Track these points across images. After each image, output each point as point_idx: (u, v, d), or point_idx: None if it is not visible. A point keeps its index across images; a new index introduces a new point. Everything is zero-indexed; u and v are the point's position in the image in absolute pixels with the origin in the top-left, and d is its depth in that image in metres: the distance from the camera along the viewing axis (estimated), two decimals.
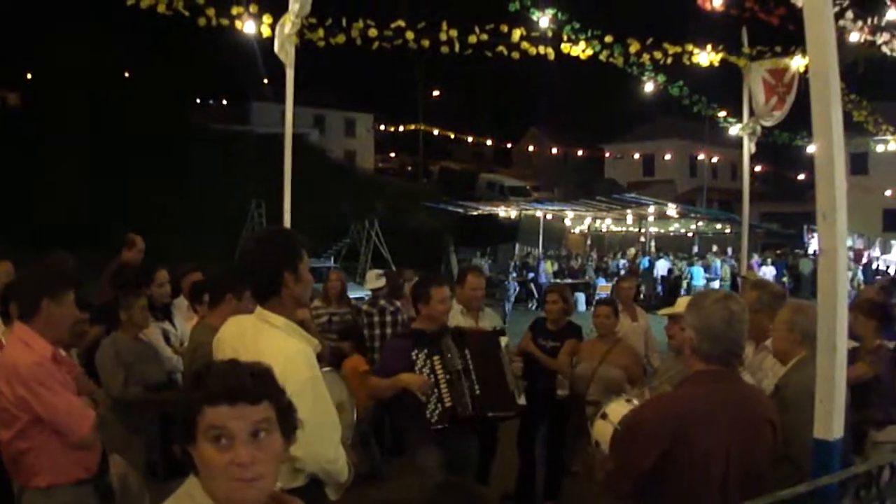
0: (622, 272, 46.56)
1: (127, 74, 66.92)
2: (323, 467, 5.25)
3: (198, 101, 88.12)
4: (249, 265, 5.52)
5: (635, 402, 7.12)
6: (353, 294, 17.74)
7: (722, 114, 17.65)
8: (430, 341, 8.35)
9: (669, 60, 14.57)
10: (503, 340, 8.77)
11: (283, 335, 5.25)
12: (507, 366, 8.61)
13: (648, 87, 15.86)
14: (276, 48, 11.29)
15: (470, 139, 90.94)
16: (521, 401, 8.66)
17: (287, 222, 11.08)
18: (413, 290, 9.38)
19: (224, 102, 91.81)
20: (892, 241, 67.55)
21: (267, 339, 5.22)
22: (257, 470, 3.14)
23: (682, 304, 7.76)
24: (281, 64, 11.49)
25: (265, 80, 62.43)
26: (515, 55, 13.02)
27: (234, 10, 11.20)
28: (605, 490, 5.63)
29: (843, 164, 4.92)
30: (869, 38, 13.90)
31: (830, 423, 4.84)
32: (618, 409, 7.03)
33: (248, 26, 11.31)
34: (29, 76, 69.78)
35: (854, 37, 13.77)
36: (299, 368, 5.09)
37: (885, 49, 14.19)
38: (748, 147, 17.06)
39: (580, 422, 9.40)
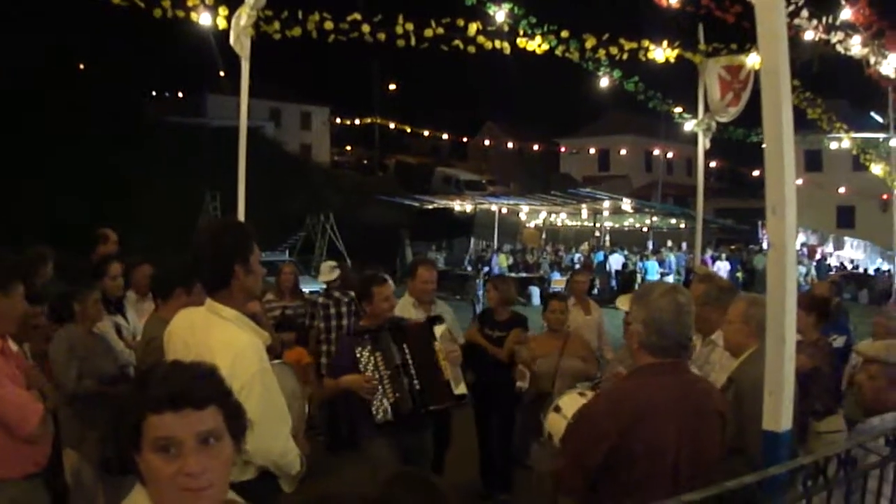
0: (577, 266, 46.54)
1: (82, 67, 66.42)
2: (273, 460, 5.26)
3: (153, 93, 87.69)
4: (200, 257, 5.50)
5: (588, 394, 7.16)
6: (309, 287, 17.71)
7: (678, 110, 17.72)
8: (372, 338, 8.40)
9: (625, 56, 14.64)
10: (438, 330, 8.74)
11: (234, 327, 5.24)
12: (443, 355, 8.62)
13: (604, 83, 15.93)
14: (231, 40, 11.23)
15: (426, 133, 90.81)
16: (460, 390, 8.64)
17: (241, 215, 11.05)
18: (357, 289, 9.42)
19: (180, 95, 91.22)
20: (846, 238, 68.04)
21: (217, 331, 5.21)
22: (208, 478, 3.06)
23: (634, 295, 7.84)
24: (237, 56, 11.44)
25: (221, 73, 62.32)
26: (471, 49, 13.04)
27: (190, 2, 11.15)
28: (557, 485, 5.65)
29: (792, 159, 4.95)
30: (823, 36, 14.01)
31: (779, 414, 4.89)
32: (571, 403, 7.06)
33: (203, 18, 11.25)
34: None
35: (809, 35, 13.87)
36: (249, 361, 5.09)
37: (839, 48, 14.30)
38: (703, 143, 17.13)
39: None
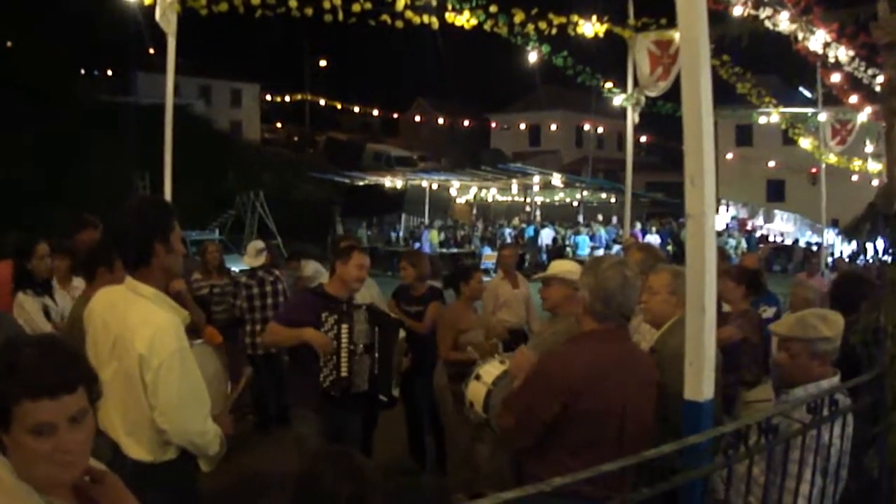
0: (508, 241, 46.70)
1: (9, 45, 65.67)
2: (191, 440, 5.21)
3: (82, 72, 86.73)
4: (119, 235, 5.41)
5: (508, 363, 7.20)
6: (240, 266, 17.61)
7: (608, 85, 17.77)
8: (343, 309, 8.37)
9: (554, 31, 14.61)
10: (401, 333, 8.87)
11: (153, 306, 5.17)
12: (399, 357, 8.72)
13: (533, 58, 15.91)
14: (157, 16, 11.09)
15: (357, 109, 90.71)
16: (395, 392, 8.80)
17: (168, 194, 10.94)
18: (335, 246, 9.40)
19: (109, 73, 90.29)
20: (776, 211, 68.81)
21: (136, 309, 5.13)
22: (79, 451, 3.16)
23: (554, 267, 7.87)
24: (165, 33, 11.33)
25: (151, 50, 61.75)
26: (399, 24, 12.98)
27: None
28: (503, 446, 5.68)
29: (711, 130, 4.98)
30: (752, 12, 14.08)
31: (700, 383, 4.91)
32: (490, 370, 7.14)
33: None
34: None
35: (737, 11, 13.94)
36: (167, 339, 5.03)
37: (767, 23, 14.38)
38: (632, 117, 17.20)
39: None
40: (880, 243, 6.97)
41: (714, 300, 5.00)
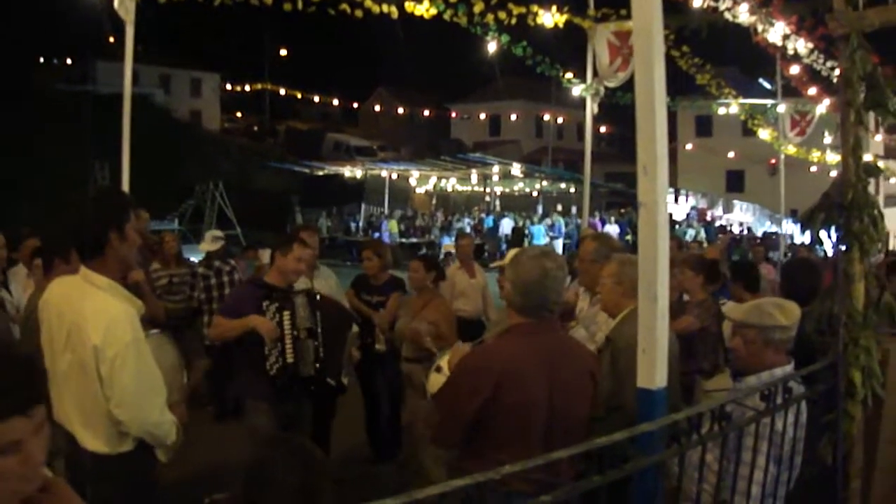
0: (468, 231, 46.79)
1: None
2: (148, 430, 5.20)
3: (41, 60, 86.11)
4: (73, 225, 5.39)
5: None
6: (198, 256, 17.54)
7: (568, 75, 17.78)
8: (283, 296, 8.41)
9: (514, 21, 14.62)
10: (354, 327, 8.90)
11: (107, 296, 5.15)
12: (350, 348, 8.74)
13: (492, 48, 15.92)
14: (115, 4, 11.02)
15: (317, 99, 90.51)
16: (346, 379, 8.81)
17: (126, 184, 10.87)
18: (293, 235, 9.38)
19: (68, 62, 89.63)
20: (735, 201, 69.20)
21: (90, 300, 5.12)
22: (41, 459, 3.07)
23: (510, 257, 7.91)
24: (124, 22, 11.24)
25: (111, 39, 61.31)
26: (359, 14, 12.94)
27: None
28: (434, 442, 5.69)
29: (664, 119, 4.98)
30: (712, 3, 14.12)
31: (654, 372, 4.92)
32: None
33: None
34: None
35: (697, 2, 13.99)
36: (122, 330, 5.02)
37: (727, 15, 14.41)
38: (591, 108, 17.21)
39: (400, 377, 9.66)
40: (834, 233, 7.01)
41: (666, 288, 5.00)
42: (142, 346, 5.15)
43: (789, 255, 28.98)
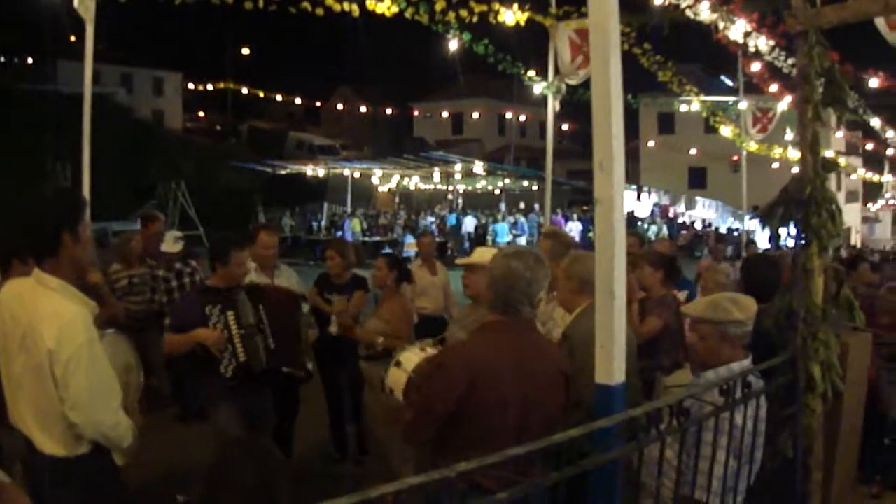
0: (430, 229, 46.87)
1: None
2: (103, 433, 5.14)
3: (1, 59, 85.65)
4: (26, 225, 5.33)
5: (429, 350, 7.25)
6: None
7: (531, 73, 17.83)
8: (223, 297, 8.38)
9: (475, 19, 14.63)
10: (305, 307, 8.84)
11: (60, 298, 5.08)
12: (306, 331, 8.69)
13: (454, 46, 15.93)
14: (75, 3, 10.96)
15: (279, 98, 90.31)
16: (310, 366, 8.76)
17: (87, 184, 10.81)
18: (213, 248, 9.31)
19: (29, 61, 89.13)
20: (698, 198, 69.50)
21: (44, 302, 5.05)
22: None
23: (477, 254, 7.91)
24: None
25: (72, 38, 61.07)
26: (320, 12, 12.94)
27: None
28: (405, 439, 5.69)
29: (621, 115, 5.00)
30: (674, 1, 14.18)
31: (611, 368, 4.93)
32: (411, 357, 7.14)
33: None
34: None
35: (659, 0, 14.05)
36: (75, 332, 4.96)
37: (688, 12, 14.48)
38: (553, 105, 17.26)
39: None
40: (793, 228, 7.05)
41: (623, 284, 5.01)
42: (96, 347, 5.09)
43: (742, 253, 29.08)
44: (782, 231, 7.21)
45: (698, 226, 62.11)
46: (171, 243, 13.89)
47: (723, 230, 56.55)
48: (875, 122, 31.26)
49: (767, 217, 7.21)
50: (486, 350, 5.27)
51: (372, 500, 3.33)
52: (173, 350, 8.65)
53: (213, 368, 8.17)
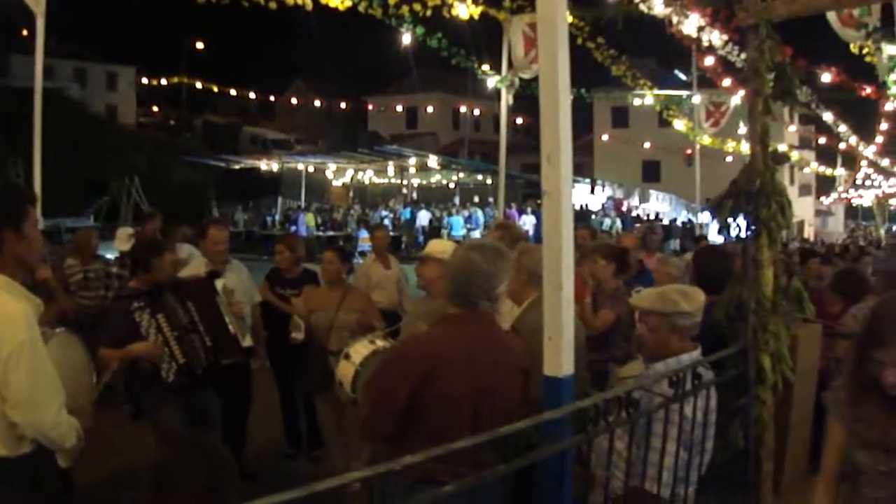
0: (385, 224, 46.90)
1: None
2: (43, 433, 5.04)
3: None
4: None
5: (378, 343, 7.26)
6: (115, 253, 17.34)
7: (485, 67, 17.86)
8: (151, 299, 8.24)
9: (429, 13, 14.63)
10: (219, 283, 8.72)
11: (3, 294, 5.01)
12: (226, 308, 8.58)
13: (407, 39, 15.94)
14: None
15: (233, 92, 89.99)
16: (246, 342, 8.78)
17: (38, 180, 10.73)
18: (133, 255, 9.25)
19: None
20: (651, 191, 69.85)
21: None
22: None
23: (430, 246, 7.92)
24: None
25: (24, 32, 60.59)
26: (273, 5, 12.93)
27: None
28: (363, 434, 5.67)
29: (568, 108, 5.01)
30: None
31: (559, 359, 4.94)
32: (360, 350, 7.14)
33: None
34: None
35: None
36: (17, 329, 4.88)
37: (642, 7, 14.53)
38: (506, 99, 17.32)
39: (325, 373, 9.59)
40: (742, 220, 7.10)
41: (571, 276, 5.03)
42: (38, 345, 5.01)
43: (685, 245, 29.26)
44: (734, 223, 7.26)
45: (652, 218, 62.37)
46: (125, 241, 13.83)
47: (677, 223, 56.72)
48: (828, 116, 31.48)
49: (717, 209, 7.24)
50: (441, 343, 5.23)
51: (317, 495, 3.33)
52: (113, 365, 8.55)
53: (155, 374, 8.07)
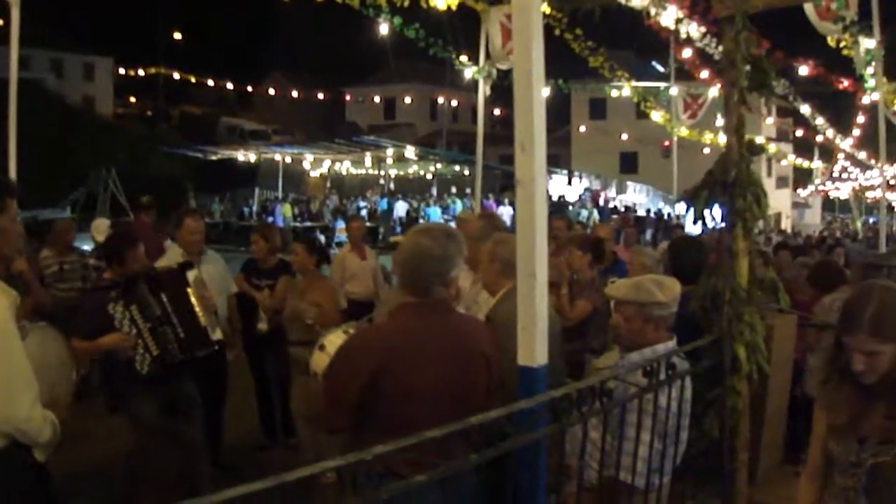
0: (362, 214, 46.90)
1: None
2: (17, 427, 4.95)
3: None
4: None
5: (353, 333, 7.21)
6: (91, 245, 17.29)
7: (463, 58, 17.83)
8: (125, 291, 8.19)
9: (406, 3, 14.61)
10: (191, 275, 8.68)
11: None
12: (197, 300, 8.55)
13: (384, 30, 15.91)
14: None
15: (211, 83, 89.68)
16: (216, 335, 8.69)
17: (13, 171, 10.67)
18: (106, 247, 9.22)
19: None
20: (629, 182, 70.00)
21: None
22: None
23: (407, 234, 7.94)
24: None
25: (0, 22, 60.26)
26: None
27: None
28: (322, 428, 5.63)
29: (542, 97, 5.02)
30: None
31: (533, 349, 4.93)
32: (335, 341, 7.09)
33: None
34: None
35: None
36: None
37: None
38: (484, 90, 17.29)
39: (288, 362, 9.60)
40: (717, 211, 7.12)
41: (545, 266, 5.02)
42: (11, 338, 4.93)
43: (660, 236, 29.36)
44: (710, 214, 7.27)
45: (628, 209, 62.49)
46: (103, 233, 13.79)
47: (651, 215, 56.81)
48: (805, 109, 31.52)
49: (693, 199, 7.25)
50: (395, 335, 5.10)
51: (287, 484, 3.32)
52: (85, 357, 8.53)
53: (128, 365, 8.06)
